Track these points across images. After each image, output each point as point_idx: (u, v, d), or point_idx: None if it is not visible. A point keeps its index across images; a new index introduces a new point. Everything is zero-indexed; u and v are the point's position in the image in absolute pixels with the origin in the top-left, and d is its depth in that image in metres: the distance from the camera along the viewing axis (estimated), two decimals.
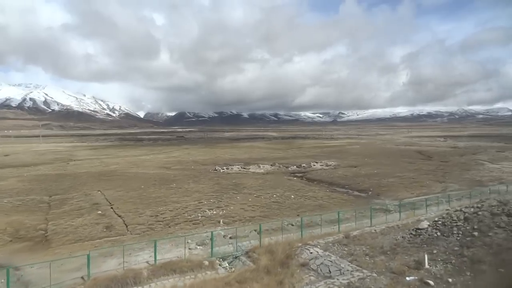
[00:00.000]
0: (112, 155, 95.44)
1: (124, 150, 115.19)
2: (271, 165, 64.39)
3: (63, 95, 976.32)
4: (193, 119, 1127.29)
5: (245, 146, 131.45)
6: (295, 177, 53.03)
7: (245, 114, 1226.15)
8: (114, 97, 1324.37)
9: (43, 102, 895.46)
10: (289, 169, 61.36)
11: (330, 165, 65.34)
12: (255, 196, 36.18)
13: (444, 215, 19.28)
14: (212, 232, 19.42)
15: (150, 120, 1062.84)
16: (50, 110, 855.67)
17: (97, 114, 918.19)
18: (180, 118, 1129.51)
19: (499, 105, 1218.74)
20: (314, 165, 64.73)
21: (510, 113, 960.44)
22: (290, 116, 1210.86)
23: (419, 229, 18.94)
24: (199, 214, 28.61)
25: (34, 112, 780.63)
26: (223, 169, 59.44)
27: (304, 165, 64.68)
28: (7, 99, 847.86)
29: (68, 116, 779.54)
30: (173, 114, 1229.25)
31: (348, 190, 42.27)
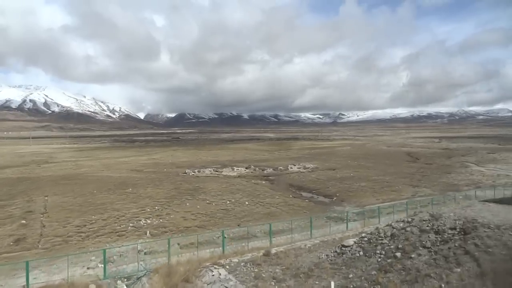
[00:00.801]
0: (93, 157, 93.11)
1: (109, 152, 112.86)
2: (246, 167, 61.80)
3: (63, 96, 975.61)
4: (193, 121, 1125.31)
5: (235, 148, 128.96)
6: (266, 180, 50.43)
7: (245, 115, 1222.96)
8: (114, 98, 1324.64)
9: (43, 103, 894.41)
10: (265, 172, 58.77)
11: (308, 167, 62.70)
12: (207, 203, 33.63)
13: (372, 230, 16.69)
14: (104, 250, 16.83)
15: (150, 121, 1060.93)
16: (50, 112, 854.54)
17: (97, 115, 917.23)
18: (180, 120, 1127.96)
19: (499, 106, 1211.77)
20: (292, 168, 62.11)
21: (510, 114, 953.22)
22: (290, 117, 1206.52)
23: (344, 246, 16.35)
24: (131, 224, 26.08)
25: (34, 114, 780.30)
26: (194, 172, 56.92)
27: (281, 167, 62.08)
28: (7, 101, 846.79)
29: (68, 117, 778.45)
30: (173, 115, 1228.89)
31: (314, 195, 39.68)
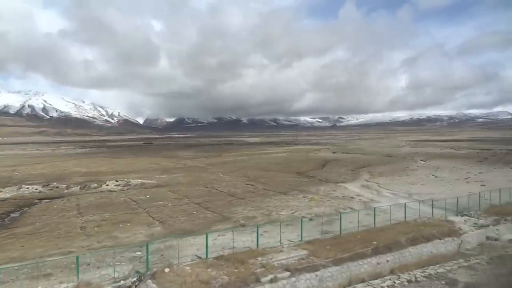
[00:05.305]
0: None
1: (15, 160, 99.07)
2: (44, 185, 46.92)
3: (62, 101, 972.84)
4: (192, 125, 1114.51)
5: (164, 156, 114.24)
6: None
7: (245, 120, 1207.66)
8: (113, 103, 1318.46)
9: (42, 109, 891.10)
10: (63, 191, 43.89)
11: (131, 184, 47.49)
12: None
13: None
14: None
15: (149, 126, 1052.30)
16: (48, 117, 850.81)
17: (96, 120, 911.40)
18: (179, 124, 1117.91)
19: (498, 108, 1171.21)
20: (107, 185, 46.97)
21: (510, 116, 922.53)
22: (289, 121, 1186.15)
23: None
24: None
25: (33, 119, 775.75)
26: None
27: (95, 185, 47.03)
28: (5, 106, 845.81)
29: (66, 122, 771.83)
30: (172, 120, 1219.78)
31: None
